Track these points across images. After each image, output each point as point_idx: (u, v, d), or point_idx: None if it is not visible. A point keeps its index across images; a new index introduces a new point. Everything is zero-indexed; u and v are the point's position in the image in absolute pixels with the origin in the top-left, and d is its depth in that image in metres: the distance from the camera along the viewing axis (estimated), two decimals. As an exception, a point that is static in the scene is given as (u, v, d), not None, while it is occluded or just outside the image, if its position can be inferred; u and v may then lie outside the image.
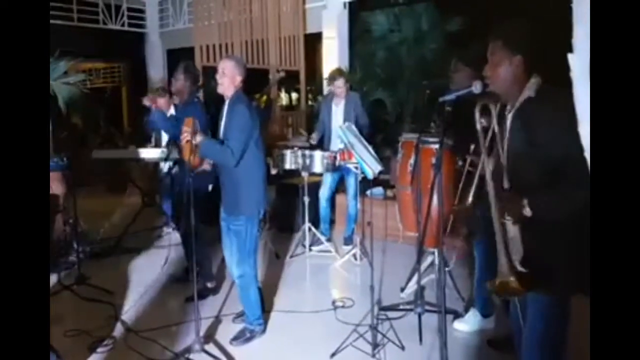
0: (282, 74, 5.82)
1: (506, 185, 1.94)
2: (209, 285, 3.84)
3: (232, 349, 3.04)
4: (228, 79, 2.97)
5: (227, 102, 3.02)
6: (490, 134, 2.04)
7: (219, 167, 3.07)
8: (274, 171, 4.62)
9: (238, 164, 2.89)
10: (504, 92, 1.95)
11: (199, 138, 2.87)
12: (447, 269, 3.66)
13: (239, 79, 2.99)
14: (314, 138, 4.93)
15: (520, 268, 1.89)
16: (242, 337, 3.12)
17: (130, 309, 3.59)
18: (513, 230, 1.91)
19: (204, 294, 3.71)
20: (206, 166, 3.47)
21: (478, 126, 1.95)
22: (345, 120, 4.63)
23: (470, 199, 2.39)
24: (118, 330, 3.27)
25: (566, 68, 1.23)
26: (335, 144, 4.70)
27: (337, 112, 4.84)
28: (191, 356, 2.85)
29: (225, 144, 2.89)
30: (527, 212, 1.78)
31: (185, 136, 2.87)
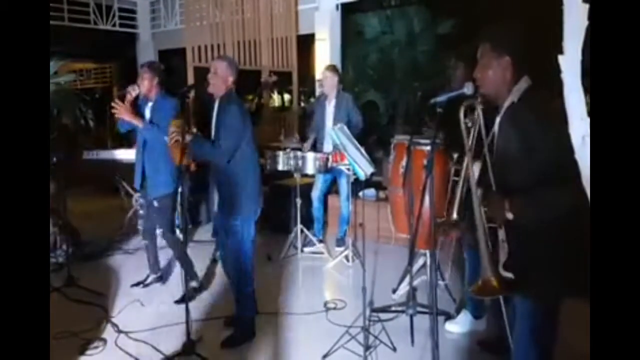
0: (275, 78, 5.79)
1: (493, 188, 1.94)
2: (194, 284, 3.84)
3: (223, 352, 3.02)
4: (220, 79, 2.96)
5: (217, 102, 3.01)
6: (475, 134, 2.04)
7: (214, 168, 3.05)
8: (266, 171, 4.59)
9: (229, 163, 2.88)
10: (494, 94, 1.96)
11: (188, 137, 2.84)
12: (441, 278, 3.66)
13: (230, 79, 2.98)
14: (307, 147, 4.82)
15: (502, 270, 1.89)
16: (233, 340, 3.10)
17: (120, 310, 3.56)
18: (501, 234, 1.91)
19: (192, 295, 3.73)
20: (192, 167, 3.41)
21: (462, 126, 1.96)
22: (336, 119, 4.61)
23: (454, 214, 2.39)
24: (108, 332, 3.25)
25: (557, 70, 1.23)
26: (329, 145, 4.66)
27: (329, 111, 4.82)
28: (182, 359, 2.83)
29: (217, 143, 2.88)
30: (509, 215, 1.79)
31: (174, 136, 2.84)
